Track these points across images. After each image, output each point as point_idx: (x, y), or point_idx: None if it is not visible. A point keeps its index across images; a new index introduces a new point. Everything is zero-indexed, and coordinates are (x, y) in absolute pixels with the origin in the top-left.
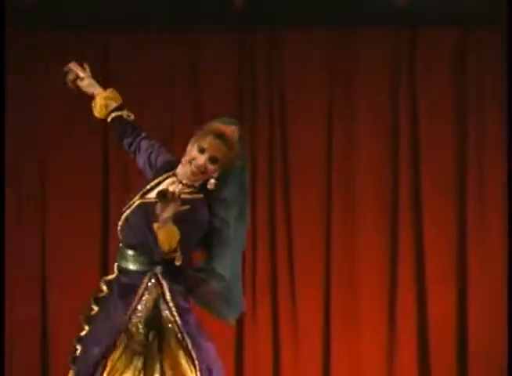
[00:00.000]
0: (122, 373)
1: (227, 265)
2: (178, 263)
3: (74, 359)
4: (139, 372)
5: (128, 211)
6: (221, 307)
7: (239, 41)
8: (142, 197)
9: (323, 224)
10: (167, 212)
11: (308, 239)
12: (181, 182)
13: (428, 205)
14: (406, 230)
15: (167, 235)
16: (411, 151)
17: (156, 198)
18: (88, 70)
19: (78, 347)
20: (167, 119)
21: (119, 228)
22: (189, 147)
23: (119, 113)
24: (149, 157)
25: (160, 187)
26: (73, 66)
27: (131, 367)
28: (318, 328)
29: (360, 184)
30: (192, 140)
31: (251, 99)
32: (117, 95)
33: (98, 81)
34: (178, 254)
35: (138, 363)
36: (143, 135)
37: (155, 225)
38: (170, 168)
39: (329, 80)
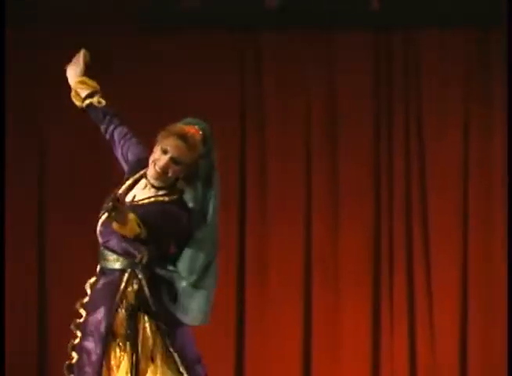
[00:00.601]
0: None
1: (190, 268)
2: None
3: (70, 367)
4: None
5: (103, 216)
6: (177, 309)
7: (375, 41)
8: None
9: (460, 230)
10: (119, 219)
11: (444, 246)
12: (153, 186)
13: None
14: None
15: (129, 231)
16: None
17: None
18: (83, 59)
19: (74, 355)
20: (303, 119)
21: (98, 232)
22: (154, 148)
23: (90, 99)
24: (121, 150)
25: (134, 191)
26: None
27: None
28: (455, 334)
29: (496, 190)
30: (157, 141)
31: (387, 100)
32: (90, 82)
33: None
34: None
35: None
36: (116, 122)
37: (114, 226)
38: (140, 167)
39: (466, 82)
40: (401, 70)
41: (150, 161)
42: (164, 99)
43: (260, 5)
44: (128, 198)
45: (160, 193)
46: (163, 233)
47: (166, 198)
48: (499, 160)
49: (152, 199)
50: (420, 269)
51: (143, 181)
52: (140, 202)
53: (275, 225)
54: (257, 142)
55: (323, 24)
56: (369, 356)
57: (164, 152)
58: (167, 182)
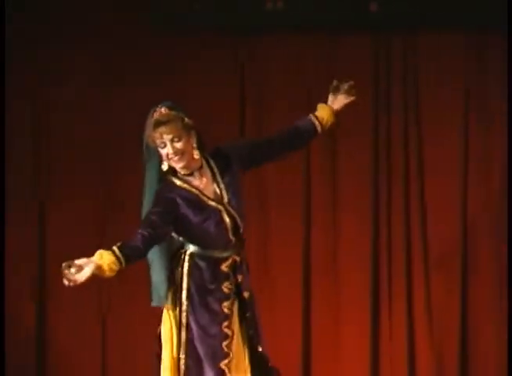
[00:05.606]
0: None
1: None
2: None
3: None
4: None
5: None
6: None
7: (374, 43)
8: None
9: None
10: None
11: (442, 248)
12: (199, 172)
13: None
14: None
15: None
16: None
17: None
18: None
19: None
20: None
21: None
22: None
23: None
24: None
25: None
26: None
27: None
28: (454, 335)
29: (495, 184)
30: (150, 145)
31: (386, 100)
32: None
33: None
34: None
35: None
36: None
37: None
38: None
39: (465, 83)
40: (399, 71)
41: (166, 164)
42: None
43: (259, 7)
44: (215, 202)
45: (213, 168)
46: None
47: (217, 165)
48: (497, 158)
49: (220, 180)
50: (418, 269)
51: (191, 182)
52: (226, 196)
53: (275, 228)
54: None
55: (324, 26)
56: (369, 358)
57: (164, 145)
58: (196, 159)
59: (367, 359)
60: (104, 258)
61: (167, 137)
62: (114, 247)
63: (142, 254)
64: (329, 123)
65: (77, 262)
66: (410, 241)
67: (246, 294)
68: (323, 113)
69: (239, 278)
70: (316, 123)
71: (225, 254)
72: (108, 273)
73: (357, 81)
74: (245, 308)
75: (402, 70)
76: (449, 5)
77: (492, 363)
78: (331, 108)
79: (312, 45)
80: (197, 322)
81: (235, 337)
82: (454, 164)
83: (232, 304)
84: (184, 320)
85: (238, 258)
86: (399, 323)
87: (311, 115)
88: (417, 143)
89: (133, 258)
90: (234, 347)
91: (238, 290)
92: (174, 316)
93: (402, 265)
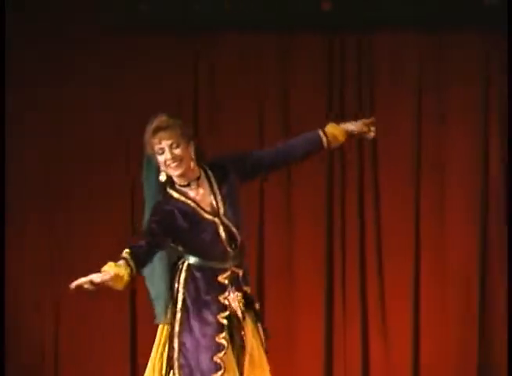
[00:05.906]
0: None
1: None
2: None
3: None
4: None
5: None
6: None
7: (328, 42)
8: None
9: (412, 232)
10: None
11: (396, 248)
12: (197, 182)
13: None
14: None
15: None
16: None
17: None
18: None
19: None
20: (255, 120)
21: None
22: (156, 161)
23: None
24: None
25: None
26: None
27: None
28: (407, 333)
29: (449, 183)
30: (149, 153)
31: (340, 99)
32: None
33: None
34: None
35: None
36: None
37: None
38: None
39: (419, 82)
40: (353, 71)
41: (163, 174)
42: (122, 99)
43: (217, 6)
44: (211, 215)
45: (211, 178)
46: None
47: (215, 176)
48: (452, 159)
49: (217, 191)
50: (372, 269)
51: (187, 194)
52: (222, 208)
53: None
54: (210, 141)
55: (277, 24)
56: (323, 356)
57: (162, 151)
58: (193, 169)
59: (321, 359)
60: (123, 276)
61: (166, 143)
62: (128, 259)
63: (148, 259)
64: (339, 142)
65: (98, 280)
66: (364, 242)
67: (257, 305)
68: (335, 131)
69: (247, 289)
70: (324, 139)
71: (223, 266)
72: (121, 286)
73: (311, 81)
74: (258, 318)
75: (357, 71)
76: (404, 4)
77: (443, 359)
78: (344, 129)
79: (267, 44)
80: (191, 334)
81: (255, 348)
82: (408, 164)
83: (243, 315)
84: (177, 332)
85: (239, 270)
86: (353, 323)
87: (319, 130)
88: (371, 144)
89: (142, 263)
90: (248, 359)
91: (249, 301)
92: (168, 327)
93: (357, 266)
